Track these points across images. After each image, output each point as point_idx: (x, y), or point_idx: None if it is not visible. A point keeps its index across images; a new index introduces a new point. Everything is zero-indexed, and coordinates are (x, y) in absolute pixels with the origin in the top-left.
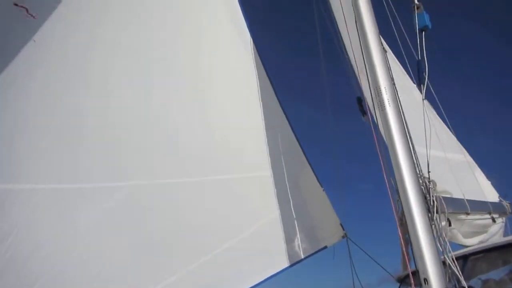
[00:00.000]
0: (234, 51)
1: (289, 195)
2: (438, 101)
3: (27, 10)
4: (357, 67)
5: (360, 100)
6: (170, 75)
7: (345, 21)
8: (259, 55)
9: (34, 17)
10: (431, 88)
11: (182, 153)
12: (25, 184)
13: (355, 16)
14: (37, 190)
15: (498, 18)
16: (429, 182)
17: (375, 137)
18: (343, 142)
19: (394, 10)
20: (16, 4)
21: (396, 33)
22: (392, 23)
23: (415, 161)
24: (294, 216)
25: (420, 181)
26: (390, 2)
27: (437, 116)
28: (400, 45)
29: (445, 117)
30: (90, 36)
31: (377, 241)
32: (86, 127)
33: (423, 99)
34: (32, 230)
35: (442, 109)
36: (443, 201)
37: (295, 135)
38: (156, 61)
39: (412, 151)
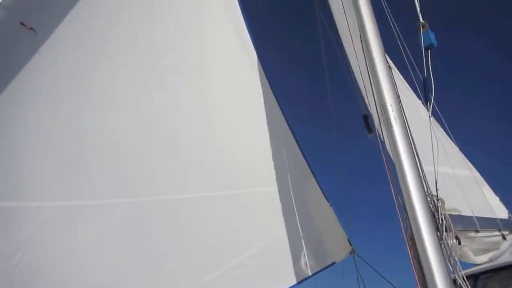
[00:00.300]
0: (240, 67)
1: (296, 210)
2: (444, 118)
3: (30, 27)
4: (363, 84)
5: (366, 118)
6: (178, 91)
7: (351, 38)
8: (265, 72)
9: (35, 32)
10: (437, 106)
11: (188, 169)
12: (31, 202)
13: (360, 34)
14: (43, 208)
15: (505, 34)
16: (437, 200)
17: (382, 154)
18: (350, 158)
19: (397, 28)
20: (22, 23)
21: (402, 50)
22: (398, 40)
23: (422, 179)
24: (301, 232)
25: (428, 199)
26: (393, 20)
27: (443, 132)
28: (406, 61)
29: (450, 133)
30: (93, 51)
31: (385, 257)
32: (90, 144)
33: (429, 117)
34: (40, 246)
35: (447, 126)
36: (451, 220)
37: (301, 151)
38: (162, 78)
39: (419, 169)
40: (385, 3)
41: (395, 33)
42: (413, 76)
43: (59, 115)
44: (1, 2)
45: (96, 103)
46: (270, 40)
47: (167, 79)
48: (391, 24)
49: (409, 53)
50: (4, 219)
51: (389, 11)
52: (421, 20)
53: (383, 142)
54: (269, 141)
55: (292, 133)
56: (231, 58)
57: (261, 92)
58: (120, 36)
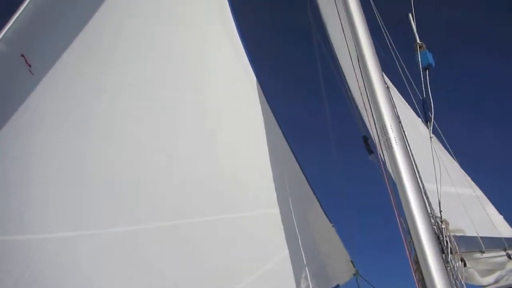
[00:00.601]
0: (241, 91)
1: (299, 232)
2: (445, 136)
3: (27, 62)
4: (364, 105)
5: (366, 139)
6: (178, 116)
7: (351, 59)
8: (265, 94)
9: (33, 67)
10: (437, 125)
11: (191, 193)
12: (36, 235)
13: (357, 55)
14: (49, 239)
15: (505, 51)
16: (441, 222)
17: (384, 176)
18: (353, 179)
19: (394, 47)
20: (22, 55)
21: (400, 69)
22: (396, 59)
23: (426, 201)
24: (304, 254)
25: (432, 221)
26: (390, 39)
27: (444, 150)
28: (405, 81)
29: (452, 151)
30: (94, 83)
31: (389, 279)
32: (92, 175)
33: (430, 138)
34: (44, 275)
35: (448, 144)
36: (456, 241)
37: (303, 173)
38: (163, 103)
39: (422, 191)
40: (382, 22)
41: (392, 52)
42: (411, 95)
43: (60, 147)
44: (3, 35)
45: (96, 133)
46: (269, 62)
47: (169, 104)
48: (388, 43)
49: (407, 72)
50: (8, 252)
51: (386, 31)
52: (418, 40)
53: (384, 163)
54: (270, 164)
55: (294, 155)
56: (232, 83)
57: (262, 116)
58: (120, 66)
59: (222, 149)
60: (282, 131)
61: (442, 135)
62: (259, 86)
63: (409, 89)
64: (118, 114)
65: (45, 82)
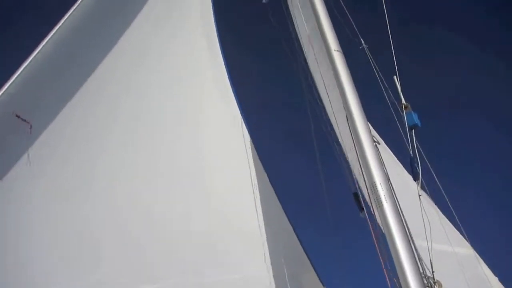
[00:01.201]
0: (234, 148)
1: None
2: (436, 193)
3: (27, 122)
4: (352, 162)
5: (357, 196)
6: (174, 175)
7: (335, 117)
8: (259, 155)
9: (30, 132)
10: (424, 184)
11: (181, 256)
12: None
13: (345, 112)
14: None
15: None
16: (434, 283)
17: (373, 235)
18: (345, 237)
19: (388, 101)
20: (18, 116)
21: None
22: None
23: (417, 262)
24: None
25: (425, 282)
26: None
27: (436, 208)
28: (405, 137)
29: (441, 209)
30: (96, 143)
31: None
32: (98, 238)
33: (419, 196)
34: None
35: (440, 201)
36: None
37: (298, 237)
38: (161, 163)
39: (414, 251)
40: (381, 76)
41: (396, 108)
42: (402, 152)
43: (61, 212)
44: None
45: (97, 192)
46: (262, 117)
47: (167, 164)
48: (386, 98)
49: (397, 127)
50: None
51: (384, 87)
52: (403, 101)
53: (375, 221)
54: (264, 228)
55: (287, 216)
56: (226, 141)
57: (255, 174)
58: (119, 128)
59: (216, 209)
60: (278, 196)
61: (430, 193)
62: (252, 144)
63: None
64: (120, 173)
65: (41, 140)
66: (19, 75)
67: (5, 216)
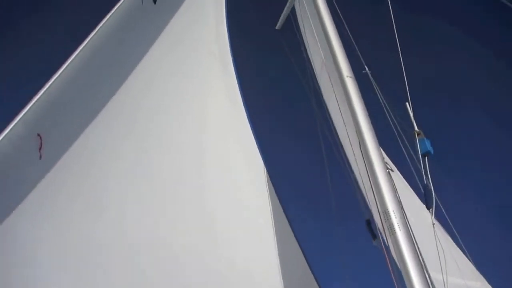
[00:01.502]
0: (245, 177)
1: None
2: (452, 223)
3: (41, 145)
4: (364, 189)
5: (369, 223)
6: (178, 210)
7: (351, 145)
8: (274, 186)
9: (41, 157)
10: (443, 210)
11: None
12: None
13: (358, 139)
14: None
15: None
16: None
17: (388, 263)
18: (357, 264)
19: (399, 130)
20: (39, 135)
21: (405, 154)
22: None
23: None
24: None
25: None
26: (396, 122)
27: (449, 239)
28: (412, 167)
29: (459, 238)
30: (101, 177)
31: None
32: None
33: (433, 225)
34: None
35: (455, 231)
36: None
37: (311, 270)
38: (168, 196)
39: (428, 281)
40: (386, 105)
41: (398, 135)
42: (417, 180)
43: (72, 234)
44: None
45: (105, 217)
46: (276, 145)
47: (172, 198)
48: (393, 127)
49: (409, 155)
50: None
51: (391, 114)
52: (416, 128)
53: (388, 249)
54: (278, 259)
55: (302, 250)
56: (236, 170)
57: (270, 208)
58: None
59: (225, 244)
60: (292, 227)
61: (451, 221)
62: (267, 174)
63: (415, 175)
64: (128, 200)
65: (51, 172)
66: (42, 95)
67: (14, 240)
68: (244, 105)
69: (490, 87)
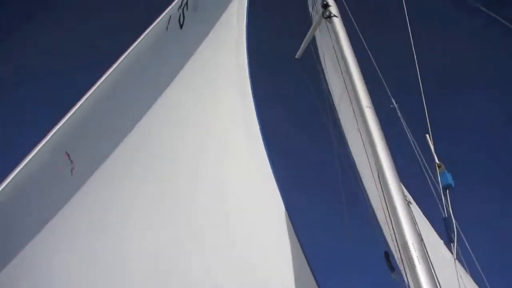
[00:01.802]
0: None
1: None
2: (474, 258)
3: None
4: (385, 220)
5: (388, 255)
6: (198, 226)
7: (373, 174)
8: (293, 225)
9: (71, 172)
10: (466, 243)
11: None
12: None
13: (377, 170)
14: None
15: None
16: None
17: None
18: None
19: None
20: (67, 154)
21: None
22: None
23: None
24: None
25: None
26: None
27: (469, 276)
28: (436, 199)
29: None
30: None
31: None
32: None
33: (454, 259)
34: None
35: (479, 267)
36: None
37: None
38: (188, 215)
39: None
40: (412, 138)
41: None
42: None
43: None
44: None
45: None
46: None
47: (193, 217)
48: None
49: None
50: None
51: (417, 146)
52: (437, 161)
53: (408, 283)
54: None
55: (312, 272)
56: (249, 187)
57: (283, 226)
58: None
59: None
60: (302, 249)
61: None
62: (288, 217)
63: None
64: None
65: (77, 192)
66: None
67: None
68: (265, 147)
69: None
